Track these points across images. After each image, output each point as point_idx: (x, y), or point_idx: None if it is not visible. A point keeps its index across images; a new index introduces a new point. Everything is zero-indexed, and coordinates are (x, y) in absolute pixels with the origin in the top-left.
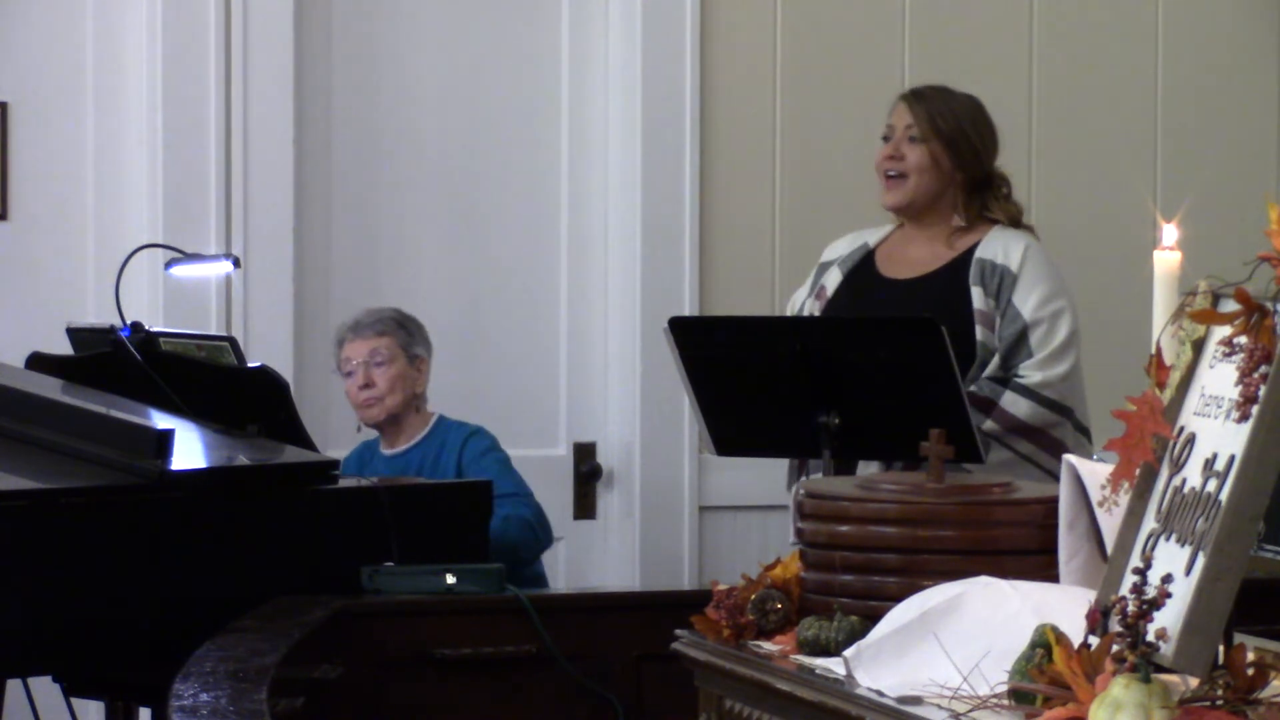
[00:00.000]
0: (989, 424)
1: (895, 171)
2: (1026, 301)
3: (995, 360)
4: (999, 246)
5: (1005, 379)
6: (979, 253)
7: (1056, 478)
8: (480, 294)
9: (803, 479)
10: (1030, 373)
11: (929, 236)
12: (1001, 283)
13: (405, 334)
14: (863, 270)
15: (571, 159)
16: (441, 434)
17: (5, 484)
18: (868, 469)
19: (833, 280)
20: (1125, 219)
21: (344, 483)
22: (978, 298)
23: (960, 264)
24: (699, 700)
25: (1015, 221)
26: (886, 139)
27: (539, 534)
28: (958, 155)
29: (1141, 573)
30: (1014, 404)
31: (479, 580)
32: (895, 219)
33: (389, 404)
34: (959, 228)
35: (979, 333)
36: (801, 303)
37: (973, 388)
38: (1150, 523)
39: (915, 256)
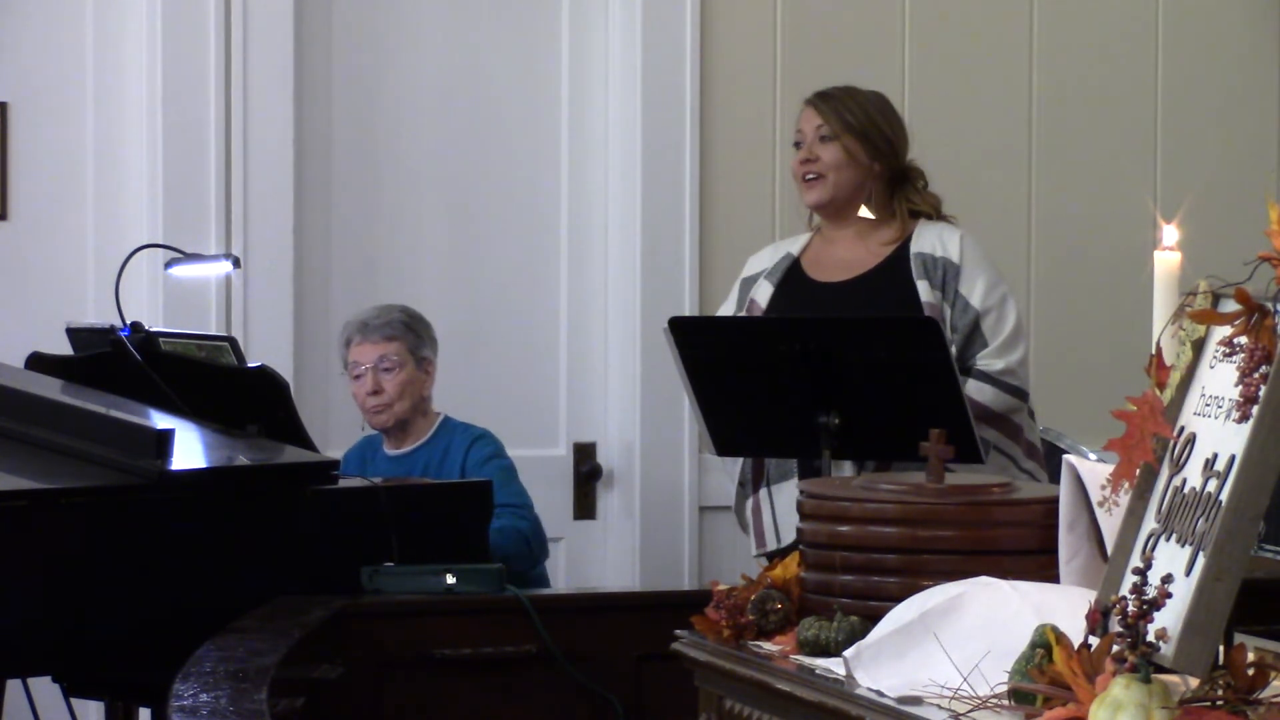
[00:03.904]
0: None
1: (812, 174)
2: (974, 291)
3: (951, 351)
4: (934, 239)
5: (966, 368)
6: (915, 247)
7: (1019, 465)
8: (480, 294)
9: (763, 491)
10: (990, 360)
11: (855, 234)
12: (945, 274)
13: (414, 336)
14: (793, 279)
15: (571, 159)
16: (447, 436)
17: (5, 484)
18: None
19: (763, 293)
20: (1125, 219)
21: (344, 483)
22: (925, 291)
23: (897, 260)
24: (699, 700)
25: (937, 212)
26: (798, 144)
27: (533, 547)
28: (873, 147)
29: (1142, 573)
30: (979, 392)
31: (479, 580)
32: (813, 226)
33: (397, 410)
34: (872, 221)
35: None
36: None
37: None
38: (1150, 523)
39: (845, 258)
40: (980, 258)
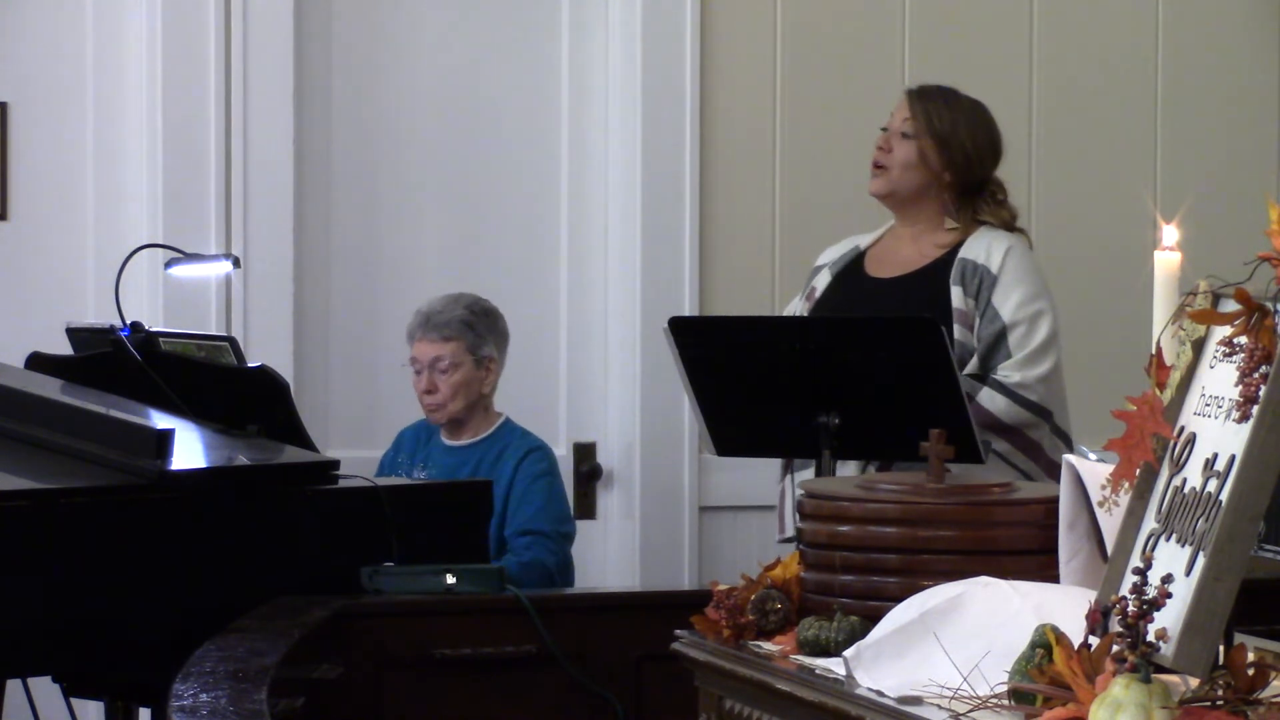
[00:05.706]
0: None
1: (882, 163)
2: (1006, 303)
3: (974, 360)
4: (982, 247)
5: (983, 377)
6: (962, 252)
7: (1030, 478)
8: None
9: (787, 478)
10: (1009, 373)
11: (915, 235)
12: (981, 283)
13: (474, 335)
14: (851, 271)
15: (571, 159)
16: (505, 439)
17: (5, 484)
18: (845, 469)
19: (822, 281)
20: (1125, 219)
21: (344, 483)
22: (957, 297)
23: (943, 263)
24: (699, 700)
25: (1008, 225)
26: (885, 130)
27: (555, 583)
28: (948, 155)
29: (1142, 573)
30: (991, 401)
31: (479, 580)
32: (888, 221)
33: (451, 410)
34: (938, 223)
35: (957, 332)
36: (795, 308)
37: None
38: (1150, 523)
39: (902, 255)
40: (1023, 271)
